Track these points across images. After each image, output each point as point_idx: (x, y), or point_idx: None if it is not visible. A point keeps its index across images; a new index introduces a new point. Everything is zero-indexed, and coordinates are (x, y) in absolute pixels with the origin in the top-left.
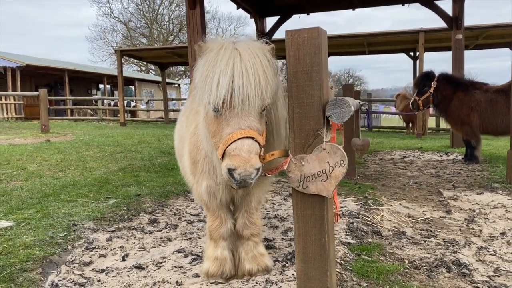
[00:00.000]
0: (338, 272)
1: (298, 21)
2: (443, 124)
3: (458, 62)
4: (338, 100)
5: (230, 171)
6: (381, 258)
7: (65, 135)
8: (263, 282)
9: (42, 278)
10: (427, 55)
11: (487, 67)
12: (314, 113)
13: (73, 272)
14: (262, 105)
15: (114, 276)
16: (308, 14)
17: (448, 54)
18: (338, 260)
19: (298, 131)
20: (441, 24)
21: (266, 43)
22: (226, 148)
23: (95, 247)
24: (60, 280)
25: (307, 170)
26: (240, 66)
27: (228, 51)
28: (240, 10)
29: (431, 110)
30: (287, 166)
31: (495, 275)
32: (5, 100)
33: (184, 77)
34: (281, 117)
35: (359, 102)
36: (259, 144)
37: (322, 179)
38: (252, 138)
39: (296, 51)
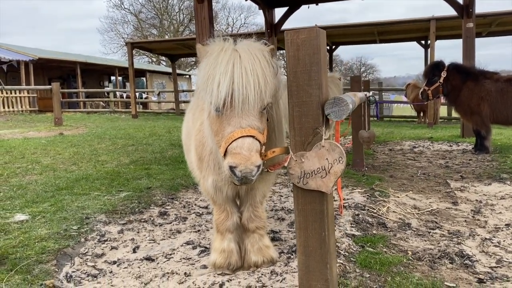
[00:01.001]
0: (342, 263)
1: (307, 11)
2: (455, 113)
3: (469, 51)
4: (336, 99)
5: (232, 168)
6: (384, 249)
7: (78, 127)
8: (268, 273)
9: (57, 270)
10: (439, 43)
11: (502, 53)
12: (313, 111)
13: (86, 264)
14: (262, 104)
15: (125, 268)
16: (316, 4)
17: (460, 42)
18: (342, 252)
19: (298, 129)
20: (452, 12)
21: (265, 44)
22: (228, 146)
23: (107, 239)
24: (74, 272)
25: (307, 167)
26: (240, 67)
27: (228, 53)
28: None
29: (442, 99)
30: (287, 163)
31: (497, 266)
32: (19, 93)
33: (194, 68)
34: (282, 115)
35: (366, 95)
36: (260, 142)
37: (322, 176)
38: (253, 136)
39: (296, 52)
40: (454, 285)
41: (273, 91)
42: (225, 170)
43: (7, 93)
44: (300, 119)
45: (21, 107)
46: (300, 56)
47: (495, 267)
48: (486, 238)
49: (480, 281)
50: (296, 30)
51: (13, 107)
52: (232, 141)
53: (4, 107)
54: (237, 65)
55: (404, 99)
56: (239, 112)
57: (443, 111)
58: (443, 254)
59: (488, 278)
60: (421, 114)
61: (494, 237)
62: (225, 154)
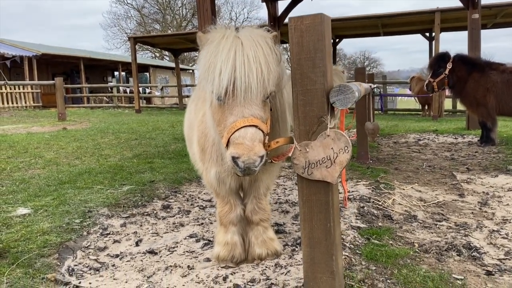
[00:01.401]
0: (347, 256)
1: (309, 5)
2: (460, 106)
3: (474, 42)
4: (342, 87)
5: (234, 159)
6: (390, 242)
7: (82, 122)
8: (272, 266)
9: (59, 263)
10: (444, 35)
11: (506, 46)
12: (318, 99)
13: (88, 257)
14: (265, 93)
15: (128, 261)
16: None
17: (465, 34)
18: (347, 244)
19: (302, 118)
20: (457, 3)
21: (268, 31)
22: (230, 136)
23: (109, 233)
24: (76, 265)
25: (312, 157)
26: (242, 55)
27: (230, 40)
28: None
29: (447, 91)
30: (291, 153)
31: (506, 258)
32: (23, 89)
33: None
34: (286, 104)
35: (370, 86)
36: (263, 132)
37: (327, 165)
38: (256, 126)
39: (300, 38)
40: (462, 277)
41: (277, 80)
42: (227, 161)
43: (10, 89)
44: (305, 107)
45: (25, 102)
46: (304, 43)
47: (503, 259)
48: (493, 230)
49: (489, 273)
50: (300, 16)
51: (17, 103)
52: (235, 131)
53: (8, 103)
54: (239, 53)
55: (409, 92)
56: (242, 101)
57: (447, 104)
58: (450, 246)
59: (496, 270)
60: (426, 107)
61: (502, 229)
62: (227, 145)
